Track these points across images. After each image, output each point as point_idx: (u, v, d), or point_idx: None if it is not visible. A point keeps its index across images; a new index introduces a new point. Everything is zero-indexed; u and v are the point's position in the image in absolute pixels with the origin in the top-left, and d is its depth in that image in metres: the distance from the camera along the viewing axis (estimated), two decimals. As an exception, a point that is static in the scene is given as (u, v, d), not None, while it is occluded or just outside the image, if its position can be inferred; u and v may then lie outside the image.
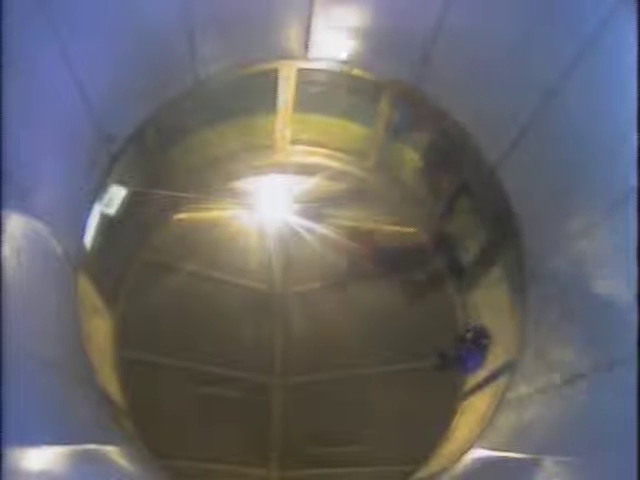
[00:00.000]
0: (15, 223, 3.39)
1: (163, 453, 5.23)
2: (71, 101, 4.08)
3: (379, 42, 4.91)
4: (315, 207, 5.97)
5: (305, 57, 5.18)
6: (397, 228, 6.08)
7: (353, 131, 5.94)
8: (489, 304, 5.60)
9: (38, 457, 2.95)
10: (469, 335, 5.54)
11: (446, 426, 5.47)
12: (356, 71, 5.23)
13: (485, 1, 4.19)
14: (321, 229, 5.91)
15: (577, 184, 4.11)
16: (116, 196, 5.13)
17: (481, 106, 4.84)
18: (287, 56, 5.19)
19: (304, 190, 6.04)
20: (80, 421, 3.95)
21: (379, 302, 5.86)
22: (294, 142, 6.06)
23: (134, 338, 5.50)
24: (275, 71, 5.31)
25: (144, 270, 5.72)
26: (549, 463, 3.60)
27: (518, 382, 4.77)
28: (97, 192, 4.92)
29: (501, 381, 5.01)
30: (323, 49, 5.11)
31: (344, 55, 5.14)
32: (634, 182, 3.22)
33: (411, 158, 5.89)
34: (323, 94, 5.63)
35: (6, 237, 3.08)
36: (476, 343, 5.47)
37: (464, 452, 4.86)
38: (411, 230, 6.07)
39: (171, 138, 5.62)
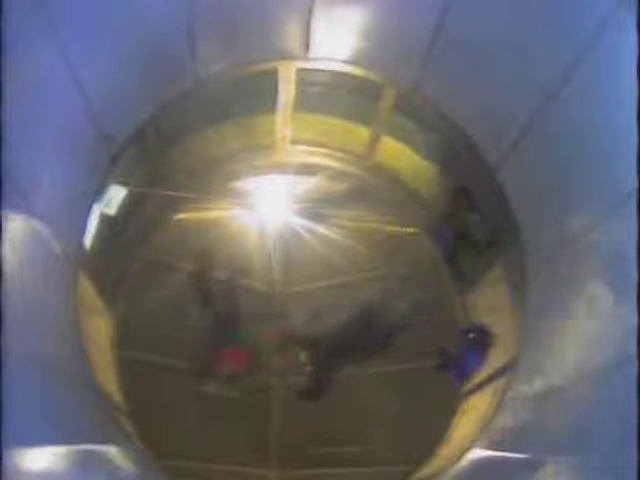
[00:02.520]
0: (15, 223, 3.39)
1: (163, 453, 5.23)
2: (71, 101, 4.07)
3: (379, 42, 4.91)
4: (315, 207, 5.97)
5: (305, 57, 5.18)
6: (397, 228, 6.08)
7: (353, 131, 5.94)
8: (489, 304, 5.60)
9: (38, 457, 2.95)
10: (472, 335, 5.54)
11: (446, 426, 5.48)
12: (356, 71, 5.23)
13: (485, 2, 4.19)
14: (321, 229, 5.91)
15: (577, 184, 4.11)
16: (116, 196, 5.13)
17: (481, 106, 4.84)
18: (287, 56, 5.19)
19: (304, 190, 6.04)
20: (80, 421, 3.95)
21: (379, 302, 5.86)
22: (294, 142, 6.06)
23: (134, 338, 5.50)
24: (275, 71, 5.31)
25: (144, 270, 5.73)
26: (549, 463, 3.60)
27: (518, 382, 4.77)
28: (97, 192, 4.92)
29: (501, 381, 5.01)
30: (323, 49, 5.11)
31: (344, 55, 5.13)
32: (634, 182, 3.22)
33: (411, 158, 5.89)
34: (323, 94, 5.63)
35: (6, 237, 3.08)
36: (479, 343, 5.47)
37: (464, 452, 4.86)
38: (411, 230, 6.08)
39: (171, 138, 5.62)
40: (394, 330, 5.64)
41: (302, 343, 5.61)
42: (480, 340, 5.46)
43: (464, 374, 5.56)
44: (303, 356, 5.58)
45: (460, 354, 5.59)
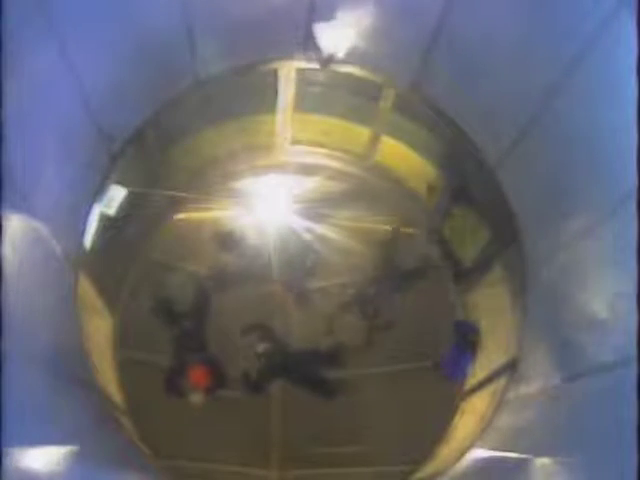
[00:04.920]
0: (15, 223, 3.39)
1: (163, 453, 5.24)
2: (71, 101, 4.08)
3: (379, 42, 4.91)
4: (315, 207, 5.97)
5: (305, 57, 5.18)
6: (397, 228, 6.07)
7: (353, 131, 5.94)
8: (489, 304, 5.60)
9: (38, 457, 2.95)
10: (460, 334, 5.55)
11: (446, 426, 5.48)
12: (356, 71, 5.23)
13: (485, 2, 4.19)
14: (321, 229, 5.90)
15: (577, 184, 4.11)
16: (116, 196, 5.13)
17: (481, 106, 4.84)
18: (287, 56, 5.19)
19: (304, 190, 6.04)
20: (79, 421, 3.96)
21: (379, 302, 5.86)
22: (294, 142, 6.06)
23: (134, 338, 5.50)
24: (275, 71, 5.31)
25: (144, 270, 5.73)
26: (549, 463, 3.60)
27: (518, 382, 4.77)
28: (97, 192, 4.92)
29: (501, 381, 5.01)
30: (323, 49, 5.11)
31: (344, 55, 5.13)
32: (634, 182, 3.22)
33: (411, 158, 5.89)
34: (323, 94, 5.63)
35: (6, 237, 3.08)
36: (467, 341, 5.48)
37: (464, 452, 4.86)
38: (411, 230, 6.08)
39: (171, 138, 5.63)
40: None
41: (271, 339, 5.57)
42: (468, 338, 5.47)
43: (455, 373, 5.57)
44: (261, 347, 5.54)
45: (449, 353, 5.59)
